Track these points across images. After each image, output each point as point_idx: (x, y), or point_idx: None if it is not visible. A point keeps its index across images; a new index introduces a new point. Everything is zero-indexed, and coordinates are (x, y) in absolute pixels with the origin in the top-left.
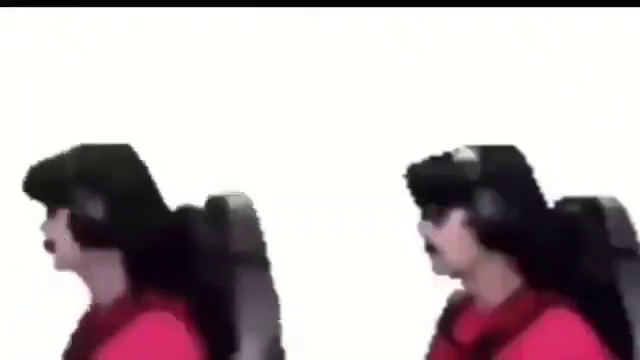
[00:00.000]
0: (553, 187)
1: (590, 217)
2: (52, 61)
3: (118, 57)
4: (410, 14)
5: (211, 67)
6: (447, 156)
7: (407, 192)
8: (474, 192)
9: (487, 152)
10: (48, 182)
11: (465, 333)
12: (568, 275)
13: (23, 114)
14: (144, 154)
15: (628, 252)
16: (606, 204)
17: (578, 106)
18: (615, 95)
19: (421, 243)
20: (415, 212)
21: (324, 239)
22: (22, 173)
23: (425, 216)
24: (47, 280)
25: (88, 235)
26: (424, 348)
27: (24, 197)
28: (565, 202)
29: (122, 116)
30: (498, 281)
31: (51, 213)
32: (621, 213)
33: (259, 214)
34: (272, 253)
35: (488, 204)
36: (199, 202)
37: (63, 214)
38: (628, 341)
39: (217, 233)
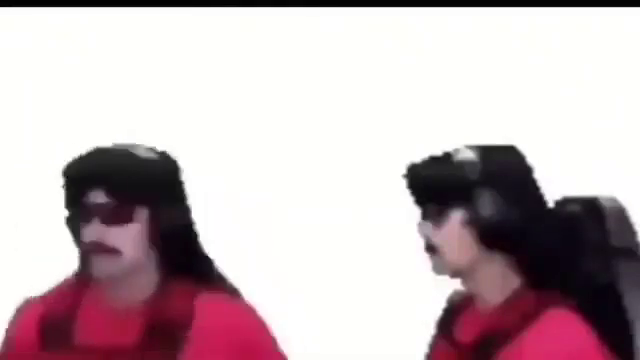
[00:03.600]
0: (553, 187)
1: (590, 217)
2: (51, 61)
3: (117, 57)
4: (410, 14)
5: (211, 67)
6: (447, 156)
7: (407, 192)
8: (474, 192)
9: (487, 152)
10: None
11: (465, 333)
12: (568, 275)
13: (22, 114)
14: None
15: (628, 252)
16: (606, 204)
17: (578, 106)
18: (615, 95)
19: (421, 243)
20: (415, 212)
21: (324, 239)
22: (23, 173)
23: (425, 216)
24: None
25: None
26: (424, 348)
27: (22, 198)
28: (565, 202)
29: (122, 116)
30: (498, 281)
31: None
32: (621, 213)
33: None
34: (273, 254)
35: (488, 204)
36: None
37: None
38: (628, 341)
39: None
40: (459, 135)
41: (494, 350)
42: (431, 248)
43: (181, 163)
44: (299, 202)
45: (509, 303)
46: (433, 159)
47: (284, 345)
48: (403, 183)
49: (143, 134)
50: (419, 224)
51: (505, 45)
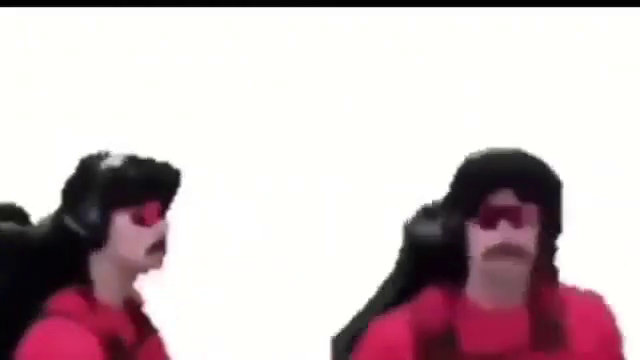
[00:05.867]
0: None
1: None
2: (51, 61)
3: (118, 57)
4: (410, 14)
5: (210, 67)
6: (532, 155)
7: (475, 183)
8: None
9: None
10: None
11: (496, 341)
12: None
13: (21, 114)
14: (145, 153)
15: None
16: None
17: (578, 106)
18: (615, 95)
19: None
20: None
21: (324, 239)
22: (21, 173)
23: (518, 218)
24: None
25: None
26: None
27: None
28: None
29: (121, 116)
30: (525, 281)
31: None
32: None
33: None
34: (275, 252)
35: (559, 209)
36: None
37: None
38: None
39: None
40: (458, 135)
41: (556, 345)
42: (518, 250)
43: (181, 163)
44: (299, 202)
45: (537, 300)
46: (534, 157)
47: (285, 345)
48: (406, 181)
49: (143, 134)
50: (515, 229)
51: (505, 45)
